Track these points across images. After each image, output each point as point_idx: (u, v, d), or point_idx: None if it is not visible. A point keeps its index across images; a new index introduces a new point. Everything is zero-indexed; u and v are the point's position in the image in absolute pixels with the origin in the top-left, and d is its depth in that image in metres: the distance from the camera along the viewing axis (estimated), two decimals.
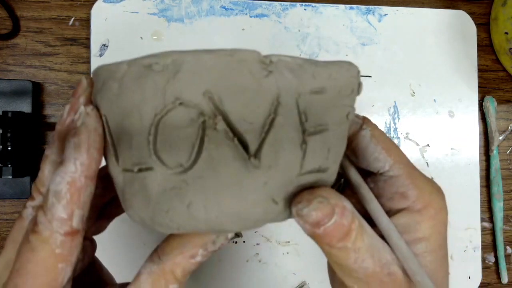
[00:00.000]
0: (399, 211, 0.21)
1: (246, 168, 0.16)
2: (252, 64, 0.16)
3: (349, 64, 0.19)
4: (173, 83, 0.16)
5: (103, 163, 0.19)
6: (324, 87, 0.17)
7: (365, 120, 0.22)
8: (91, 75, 0.19)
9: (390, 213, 0.21)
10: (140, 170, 0.17)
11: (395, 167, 0.21)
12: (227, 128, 0.16)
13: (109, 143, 0.18)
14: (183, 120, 0.16)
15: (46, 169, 0.20)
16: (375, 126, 0.22)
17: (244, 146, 0.16)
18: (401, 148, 0.46)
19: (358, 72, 0.19)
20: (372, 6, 0.46)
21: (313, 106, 0.17)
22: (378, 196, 0.21)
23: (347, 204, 0.18)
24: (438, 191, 0.22)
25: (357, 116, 0.22)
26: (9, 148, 0.38)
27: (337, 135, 0.19)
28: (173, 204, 0.17)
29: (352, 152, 0.22)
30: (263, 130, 0.16)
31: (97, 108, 0.18)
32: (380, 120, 0.46)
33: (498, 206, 0.48)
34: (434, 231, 0.21)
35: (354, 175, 0.21)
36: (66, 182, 0.17)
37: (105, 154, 0.19)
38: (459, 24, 0.48)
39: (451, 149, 0.47)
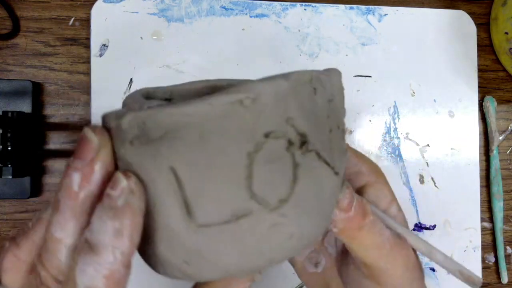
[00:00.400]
0: (361, 188, 0.24)
1: (338, 182, 0.18)
2: (308, 85, 0.17)
3: (335, 69, 0.20)
4: (262, 117, 0.15)
5: None
6: (333, 94, 0.19)
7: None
8: (126, 122, 0.15)
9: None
10: (236, 219, 0.15)
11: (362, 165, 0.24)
12: (313, 150, 0.16)
13: (174, 200, 0.15)
14: (276, 152, 0.15)
15: (62, 255, 0.16)
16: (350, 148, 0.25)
17: (327, 163, 0.17)
18: (401, 148, 0.46)
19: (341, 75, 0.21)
20: (372, 6, 0.46)
21: (335, 113, 0.18)
22: None
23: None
24: (368, 157, 0.25)
25: None
26: (9, 148, 0.37)
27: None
28: (273, 242, 0.16)
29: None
30: (329, 144, 0.17)
31: (131, 171, 0.15)
32: (380, 120, 0.46)
33: (498, 206, 0.48)
34: (392, 191, 0.24)
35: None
36: (102, 276, 0.14)
37: (149, 215, 0.16)
38: (459, 24, 0.48)
39: (451, 149, 0.47)
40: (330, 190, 0.18)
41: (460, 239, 0.46)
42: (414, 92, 0.46)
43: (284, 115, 0.15)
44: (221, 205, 0.15)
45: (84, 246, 0.14)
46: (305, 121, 0.16)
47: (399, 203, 0.24)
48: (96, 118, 0.41)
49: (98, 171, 0.15)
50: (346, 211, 0.19)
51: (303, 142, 0.16)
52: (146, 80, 0.42)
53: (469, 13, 0.48)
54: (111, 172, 0.15)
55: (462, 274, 0.21)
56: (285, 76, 0.16)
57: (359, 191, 0.23)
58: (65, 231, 0.16)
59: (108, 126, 0.16)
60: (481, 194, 0.47)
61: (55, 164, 0.42)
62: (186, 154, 0.15)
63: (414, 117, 0.46)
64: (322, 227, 0.18)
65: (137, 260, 0.17)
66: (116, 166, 0.16)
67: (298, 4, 0.45)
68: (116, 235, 0.14)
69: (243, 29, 0.44)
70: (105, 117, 0.16)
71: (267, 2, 0.44)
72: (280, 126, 0.15)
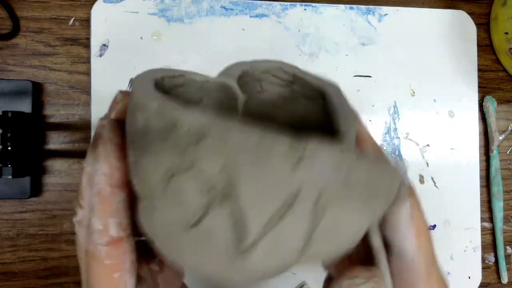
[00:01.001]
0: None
1: (237, 253, 0.16)
2: (281, 153, 0.15)
3: (394, 170, 0.17)
4: (194, 148, 0.15)
5: None
6: (355, 188, 0.16)
7: (411, 192, 0.20)
8: (131, 84, 0.19)
9: None
10: (150, 203, 0.17)
11: (416, 255, 0.20)
12: (233, 211, 0.15)
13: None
14: (192, 187, 0.15)
15: (83, 181, 0.20)
16: (416, 205, 0.21)
17: (244, 232, 0.16)
18: (401, 148, 0.46)
19: (402, 181, 0.18)
20: (372, 6, 0.46)
21: (334, 205, 0.16)
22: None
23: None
24: None
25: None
26: (9, 148, 0.38)
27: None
28: (170, 247, 0.17)
29: (383, 218, 0.21)
30: (269, 222, 0.15)
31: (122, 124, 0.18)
32: (380, 120, 0.46)
33: (498, 206, 0.48)
34: None
35: (377, 242, 0.20)
36: (94, 194, 0.18)
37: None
38: (459, 24, 0.48)
39: (451, 149, 0.47)
40: (229, 257, 0.16)
41: (460, 239, 0.46)
42: (414, 92, 0.46)
43: (221, 162, 0.15)
44: (144, 186, 0.17)
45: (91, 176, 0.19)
46: (247, 183, 0.15)
47: None
48: (96, 118, 0.41)
49: (113, 115, 0.19)
50: None
51: (226, 199, 0.15)
52: None
53: (469, 13, 0.48)
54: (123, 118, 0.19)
55: None
56: (245, 128, 0.14)
57: None
58: (86, 161, 0.20)
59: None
60: (481, 194, 0.47)
61: (55, 164, 0.42)
62: (133, 133, 0.17)
63: (414, 117, 0.46)
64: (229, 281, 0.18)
65: None
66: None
67: (298, 4, 0.45)
68: (96, 160, 0.18)
69: (243, 29, 0.44)
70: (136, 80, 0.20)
71: (267, 2, 0.44)
72: (209, 168, 0.15)
